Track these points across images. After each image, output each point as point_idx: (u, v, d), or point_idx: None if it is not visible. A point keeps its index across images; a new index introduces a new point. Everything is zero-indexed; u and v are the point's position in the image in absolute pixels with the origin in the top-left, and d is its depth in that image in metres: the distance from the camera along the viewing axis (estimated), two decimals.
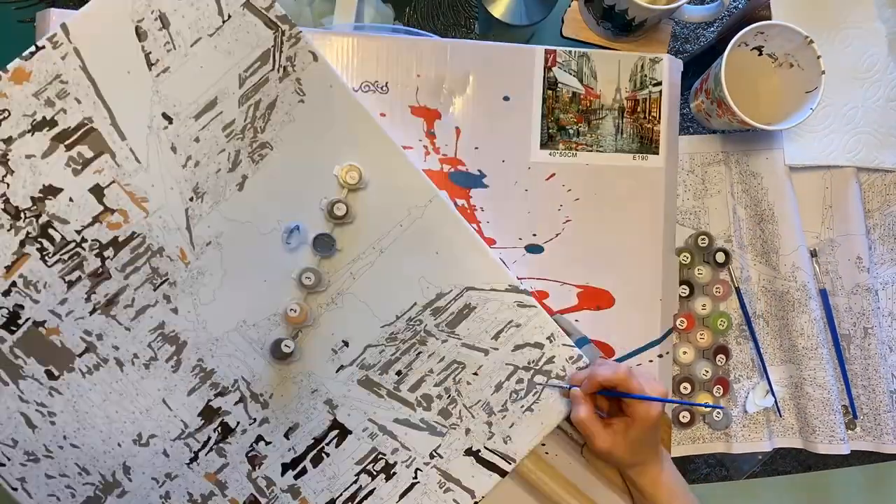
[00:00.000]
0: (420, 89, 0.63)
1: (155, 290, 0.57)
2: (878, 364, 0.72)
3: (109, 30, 0.56)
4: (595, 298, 0.65)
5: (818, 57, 0.64)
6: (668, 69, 0.65)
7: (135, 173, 0.57)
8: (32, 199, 0.56)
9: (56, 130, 0.56)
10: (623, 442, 0.57)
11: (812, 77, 0.65)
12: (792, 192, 0.71)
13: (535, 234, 0.64)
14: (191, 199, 0.57)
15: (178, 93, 0.57)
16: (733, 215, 0.72)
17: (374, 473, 0.60)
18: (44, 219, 0.56)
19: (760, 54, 0.68)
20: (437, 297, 0.60)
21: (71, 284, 0.56)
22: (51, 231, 0.56)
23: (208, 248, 0.58)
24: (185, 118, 0.57)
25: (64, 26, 0.55)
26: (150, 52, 0.57)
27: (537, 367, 0.61)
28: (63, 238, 0.56)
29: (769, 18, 0.70)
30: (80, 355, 0.56)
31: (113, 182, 0.56)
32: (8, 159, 0.55)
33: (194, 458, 0.58)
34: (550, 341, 0.61)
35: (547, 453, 0.64)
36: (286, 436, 0.59)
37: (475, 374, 0.61)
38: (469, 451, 0.61)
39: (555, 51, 0.64)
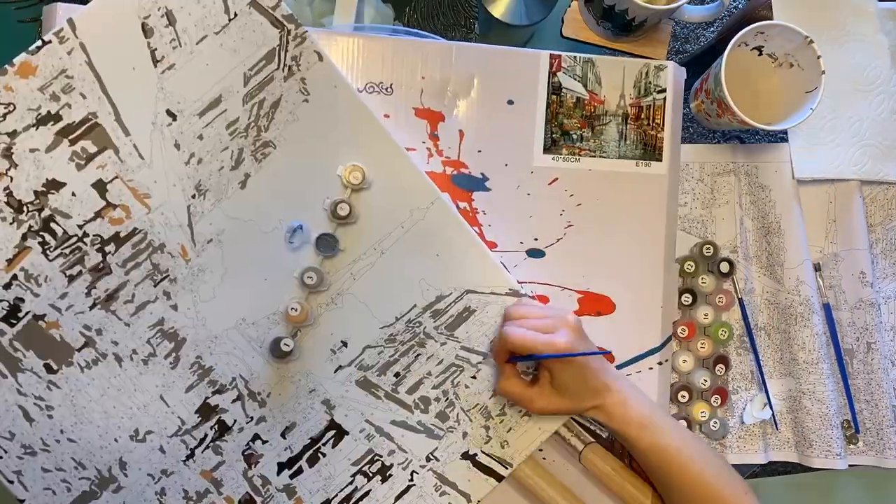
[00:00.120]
0: (424, 91, 0.63)
1: (155, 286, 0.57)
2: (881, 379, 0.72)
3: (116, 26, 0.56)
4: (595, 304, 0.65)
5: (818, 57, 0.63)
6: (673, 77, 0.65)
7: (138, 169, 0.57)
8: (35, 192, 0.56)
9: (60, 125, 0.56)
10: (556, 395, 0.56)
11: (812, 77, 0.64)
12: (799, 205, 0.71)
13: (536, 239, 0.64)
14: (193, 197, 0.57)
15: (182, 90, 0.57)
16: (740, 226, 0.72)
17: (370, 475, 0.60)
18: (46, 213, 0.56)
19: (760, 54, 0.68)
20: (437, 300, 0.60)
21: (72, 279, 0.56)
22: (53, 225, 0.56)
23: (209, 245, 0.58)
24: (190, 115, 0.57)
25: (70, 21, 0.55)
26: (156, 49, 0.57)
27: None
28: (65, 232, 0.56)
29: (769, 18, 0.70)
30: (80, 350, 0.56)
31: (116, 177, 0.57)
32: (12, 153, 0.55)
33: (191, 455, 0.58)
34: None
35: (544, 458, 0.63)
36: (283, 435, 0.59)
37: (473, 377, 0.61)
38: (466, 455, 0.61)
39: (560, 56, 0.64)
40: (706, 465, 0.57)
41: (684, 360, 0.70)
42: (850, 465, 0.71)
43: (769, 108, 0.68)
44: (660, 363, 0.65)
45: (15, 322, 0.56)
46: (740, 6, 0.77)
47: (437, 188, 0.60)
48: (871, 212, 0.75)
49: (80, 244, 0.56)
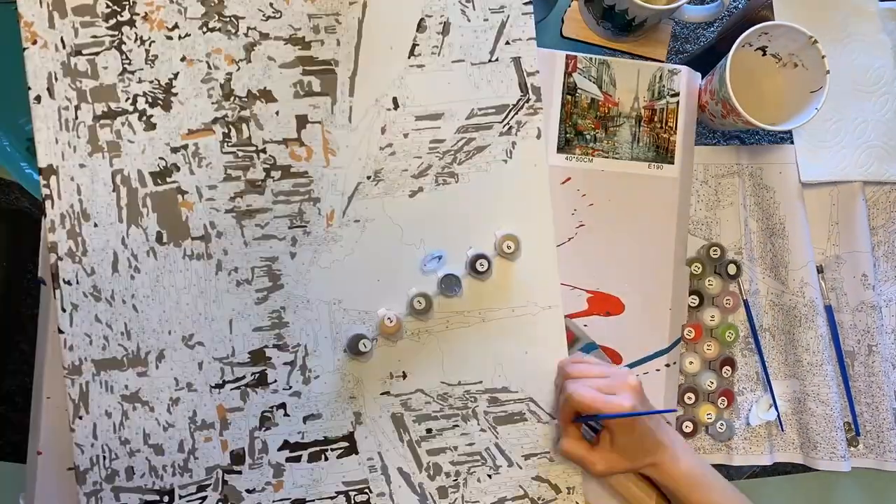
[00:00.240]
0: None
1: (290, 228, 0.59)
2: (881, 382, 0.71)
3: (400, 6, 0.60)
4: (605, 304, 0.65)
5: (822, 57, 0.63)
6: (687, 80, 0.66)
7: (341, 128, 0.60)
8: (248, 92, 0.59)
9: (305, 53, 0.59)
10: (616, 455, 0.56)
11: (817, 77, 0.64)
12: (803, 207, 0.71)
13: None
14: (368, 178, 0.60)
15: (417, 90, 0.60)
16: (745, 228, 0.73)
17: (353, 503, 0.60)
18: (245, 113, 0.58)
19: (764, 54, 0.68)
20: (502, 390, 0.61)
21: (228, 178, 0.58)
22: (243, 126, 0.58)
23: (354, 224, 0.60)
24: (409, 113, 0.60)
25: None
26: (418, 45, 0.60)
27: None
28: (249, 138, 0.58)
29: (769, 18, 0.70)
30: (194, 239, 0.58)
31: (319, 122, 0.59)
32: (253, 49, 0.59)
33: (220, 386, 0.58)
34: (569, 492, 0.61)
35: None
36: (305, 419, 0.59)
37: (489, 476, 0.61)
38: None
39: (576, 57, 0.66)
40: None
41: (691, 362, 0.70)
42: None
43: (774, 108, 0.67)
44: (668, 365, 0.65)
45: (160, 182, 0.57)
46: (740, 6, 0.77)
47: (561, 297, 0.62)
48: (873, 214, 0.75)
49: (253, 155, 0.59)
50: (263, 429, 0.59)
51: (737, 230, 0.73)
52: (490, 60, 0.61)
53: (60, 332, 0.56)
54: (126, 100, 0.57)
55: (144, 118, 0.57)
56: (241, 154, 0.58)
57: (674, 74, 0.67)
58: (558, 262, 0.62)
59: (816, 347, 0.71)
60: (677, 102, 0.67)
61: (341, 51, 0.60)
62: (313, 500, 0.59)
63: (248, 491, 0.58)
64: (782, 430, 0.73)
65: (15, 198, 0.73)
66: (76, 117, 0.57)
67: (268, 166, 0.59)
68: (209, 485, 0.58)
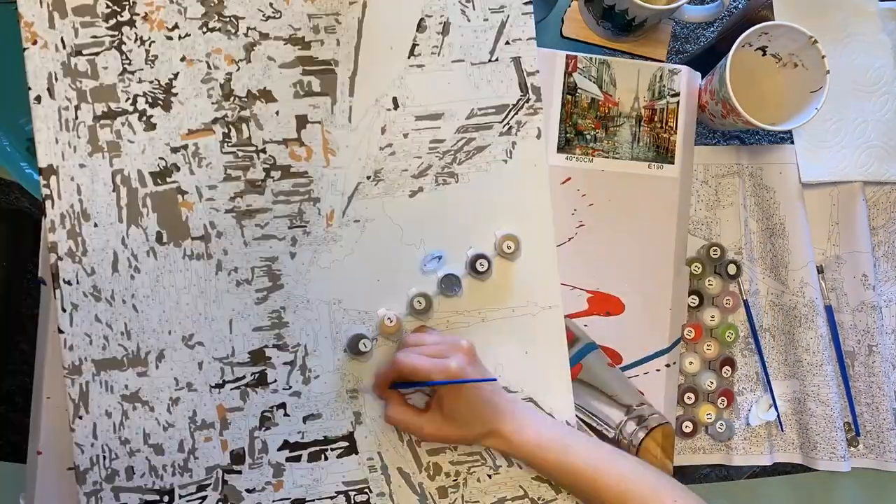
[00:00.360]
0: None
1: (289, 228, 0.59)
2: (881, 382, 0.71)
3: (400, 6, 0.60)
4: (605, 304, 0.65)
5: (823, 56, 0.63)
6: (687, 80, 0.66)
7: (341, 128, 0.60)
8: (248, 92, 0.59)
9: (304, 53, 0.59)
10: (445, 419, 0.55)
11: (817, 77, 0.64)
12: (803, 207, 0.72)
13: None
14: (368, 178, 0.60)
15: (417, 90, 0.60)
16: (745, 228, 0.73)
17: (353, 503, 0.60)
18: (245, 113, 0.58)
19: (764, 55, 0.68)
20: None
21: (228, 178, 0.58)
22: (243, 126, 0.58)
23: (354, 224, 0.60)
24: (409, 113, 0.60)
25: None
26: (418, 45, 0.60)
27: None
28: (249, 138, 0.59)
29: (769, 19, 0.70)
30: (194, 239, 0.58)
31: (319, 122, 0.59)
32: (253, 49, 0.59)
33: (220, 385, 0.58)
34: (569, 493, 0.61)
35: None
36: (304, 419, 0.59)
37: (489, 476, 0.61)
38: None
39: (576, 56, 0.66)
40: (623, 480, 0.54)
41: (690, 362, 0.70)
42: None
43: (774, 108, 0.67)
44: (668, 365, 0.65)
45: (160, 182, 0.58)
46: (740, 6, 0.77)
47: (561, 297, 0.62)
48: (873, 214, 0.75)
49: (253, 155, 0.59)
50: (263, 428, 0.59)
51: (737, 230, 0.73)
52: (490, 60, 0.61)
53: (60, 331, 0.56)
54: (126, 100, 0.57)
55: (144, 118, 0.57)
56: (241, 154, 0.58)
57: (674, 74, 0.67)
58: (558, 262, 0.62)
59: (816, 347, 0.71)
60: (677, 102, 0.67)
61: (341, 51, 0.60)
62: (313, 500, 0.59)
63: (248, 491, 0.58)
64: (782, 431, 0.73)
65: (15, 198, 0.73)
66: (76, 117, 0.57)
67: (268, 166, 0.59)
68: (209, 484, 0.58)
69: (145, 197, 0.57)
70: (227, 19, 0.58)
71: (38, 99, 0.56)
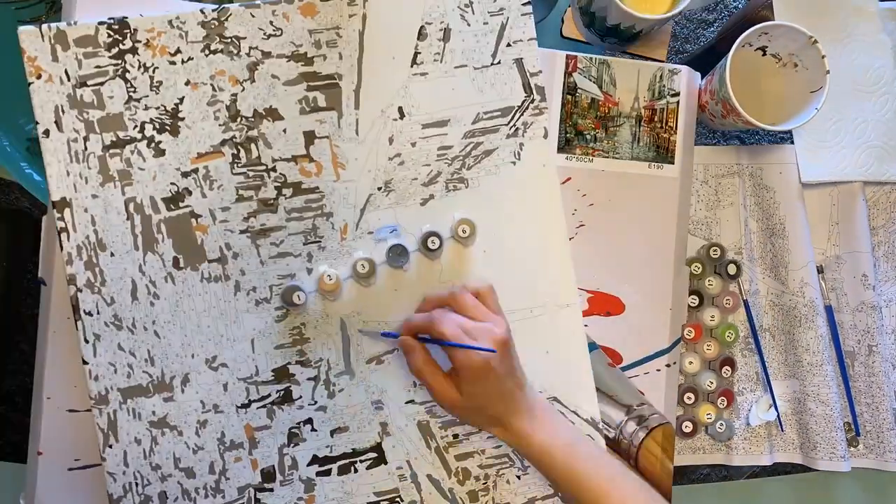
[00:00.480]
0: None
1: (305, 244, 0.59)
2: (881, 382, 0.72)
3: (400, 16, 0.60)
4: (605, 304, 0.65)
5: (823, 57, 0.63)
6: (687, 80, 0.67)
7: (349, 141, 0.60)
8: (255, 112, 0.59)
9: (308, 69, 0.59)
10: (462, 397, 0.54)
11: (817, 77, 0.64)
12: (803, 207, 0.72)
13: None
14: (379, 189, 0.60)
15: (421, 98, 0.60)
16: (745, 228, 0.73)
17: None
18: (253, 133, 0.59)
19: (764, 55, 0.68)
20: None
21: (241, 199, 0.58)
22: (252, 146, 0.59)
23: (368, 236, 0.60)
24: (415, 121, 0.60)
25: None
26: (420, 53, 0.61)
27: None
28: (258, 157, 0.59)
29: (769, 18, 0.70)
30: (210, 261, 0.58)
31: (327, 137, 0.59)
32: (257, 69, 0.59)
33: (246, 405, 0.58)
34: None
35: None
36: (332, 433, 0.59)
37: (518, 476, 0.62)
38: None
39: (576, 56, 0.66)
40: (625, 496, 0.53)
41: (690, 362, 0.71)
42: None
43: (774, 108, 0.68)
44: (668, 365, 0.65)
45: (173, 207, 0.58)
46: (740, 6, 0.78)
47: (577, 295, 0.62)
48: (873, 214, 0.76)
49: (264, 174, 0.59)
50: (292, 445, 0.59)
51: (737, 230, 0.73)
52: (492, 63, 0.61)
53: (85, 363, 0.56)
54: (134, 128, 0.57)
55: (153, 145, 0.57)
56: (251, 174, 0.59)
57: (674, 74, 0.67)
58: (572, 260, 0.62)
59: (816, 347, 0.71)
60: (677, 102, 0.67)
61: (344, 64, 0.60)
62: None
63: None
64: (782, 431, 0.73)
65: (15, 198, 0.73)
66: (85, 148, 0.57)
67: (279, 184, 0.59)
68: None
69: (159, 223, 0.58)
70: (229, 40, 0.58)
71: (47, 133, 0.56)
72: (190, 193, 0.58)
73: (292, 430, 0.59)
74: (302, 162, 0.59)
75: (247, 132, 0.59)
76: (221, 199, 0.58)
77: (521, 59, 0.62)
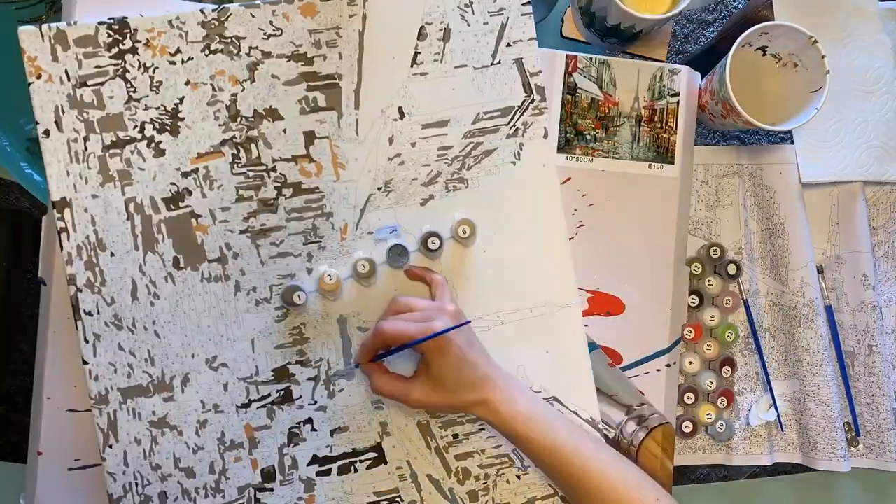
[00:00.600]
0: None
1: (304, 244, 0.59)
2: (882, 382, 0.72)
3: (400, 16, 0.60)
4: (605, 304, 0.65)
5: (822, 57, 0.63)
6: (687, 80, 0.67)
7: (349, 141, 0.60)
8: (255, 112, 0.59)
9: (308, 69, 0.59)
10: (433, 384, 0.54)
11: (817, 77, 0.64)
12: (803, 207, 0.72)
13: None
14: (379, 189, 0.60)
15: (421, 98, 0.60)
16: (745, 228, 0.73)
17: None
18: (253, 133, 0.59)
19: (764, 54, 0.68)
20: None
21: (241, 199, 0.58)
22: (252, 146, 0.59)
23: (368, 236, 0.60)
24: (415, 122, 0.60)
25: None
26: (420, 53, 0.61)
27: None
28: (258, 157, 0.59)
29: (769, 18, 0.70)
30: (211, 261, 0.58)
31: (327, 137, 0.59)
32: (257, 69, 0.59)
33: (246, 405, 0.58)
34: None
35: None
36: (332, 433, 0.59)
37: (518, 476, 0.62)
38: None
39: (576, 56, 0.66)
40: (606, 467, 0.54)
41: (690, 362, 0.71)
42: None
43: (774, 108, 0.68)
44: (668, 365, 0.65)
45: (173, 208, 0.58)
46: (740, 6, 0.78)
47: (577, 295, 0.62)
48: (873, 214, 0.76)
49: (264, 174, 0.59)
50: (292, 445, 0.59)
51: (737, 230, 0.73)
52: (492, 63, 0.61)
53: (85, 363, 0.56)
54: (134, 128, 0.57)
55: (153, 145, 0.57)
56: (251, 174, 0.59)
57: (674, 74, 0.67)
58: (572, 260, 0.62)
59: (816, 347, 0.71)
60: (677, 102, 0.67)
61: (344, 64, 0.60)
62: None
63: None
64: (782, 431, 0.73)
65: (15, 198, 0.73)
66: (85, 148, 0.57)
67: (279, 184, 0.59)
68: None
69: (159, 223, 0.58)
70: (229, 40, 0.58)
71: (47, 133, 0.56)
72: (190, 193, 0.58)
73: (292, 430, 0.59)
74: (302, 162, 0.59)
75: (247, 132, 0.59)
76: (221, 199, 0.58)
77: (521, 59, 0.62)
